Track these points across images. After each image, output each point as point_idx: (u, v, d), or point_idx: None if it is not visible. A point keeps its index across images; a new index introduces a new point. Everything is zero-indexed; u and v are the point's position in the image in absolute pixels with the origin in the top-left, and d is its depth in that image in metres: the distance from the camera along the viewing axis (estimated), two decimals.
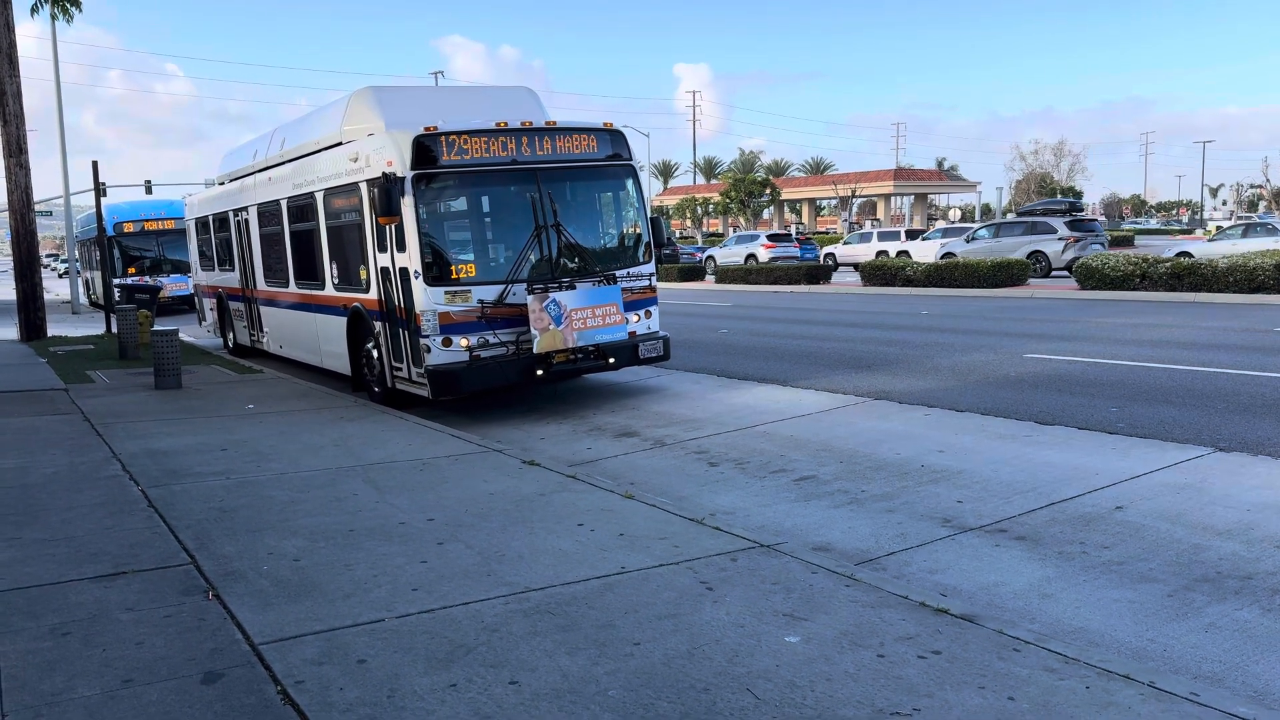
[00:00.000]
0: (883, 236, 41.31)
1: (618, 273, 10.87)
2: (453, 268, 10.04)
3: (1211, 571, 5.26)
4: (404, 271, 10.10)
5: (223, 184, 17.71)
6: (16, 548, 6.00)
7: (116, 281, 26.91)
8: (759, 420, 9.80)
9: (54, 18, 25.37)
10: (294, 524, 6.40)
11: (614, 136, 11.01)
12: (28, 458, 8.65)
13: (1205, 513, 6.20)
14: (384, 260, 10.53)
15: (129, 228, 30.42)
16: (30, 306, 20.64)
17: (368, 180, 10.52)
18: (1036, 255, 28.96)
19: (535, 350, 10.00)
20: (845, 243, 43.71)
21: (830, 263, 38.55)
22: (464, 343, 9.95)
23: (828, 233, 71.05)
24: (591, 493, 6.92)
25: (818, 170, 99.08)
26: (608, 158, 10.97)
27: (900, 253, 32.81)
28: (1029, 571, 5.44)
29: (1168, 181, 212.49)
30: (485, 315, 10.05)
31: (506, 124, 10.25)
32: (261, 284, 15.37)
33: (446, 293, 9.89)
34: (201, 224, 18.78)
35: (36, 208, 22.09)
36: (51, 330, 21.49)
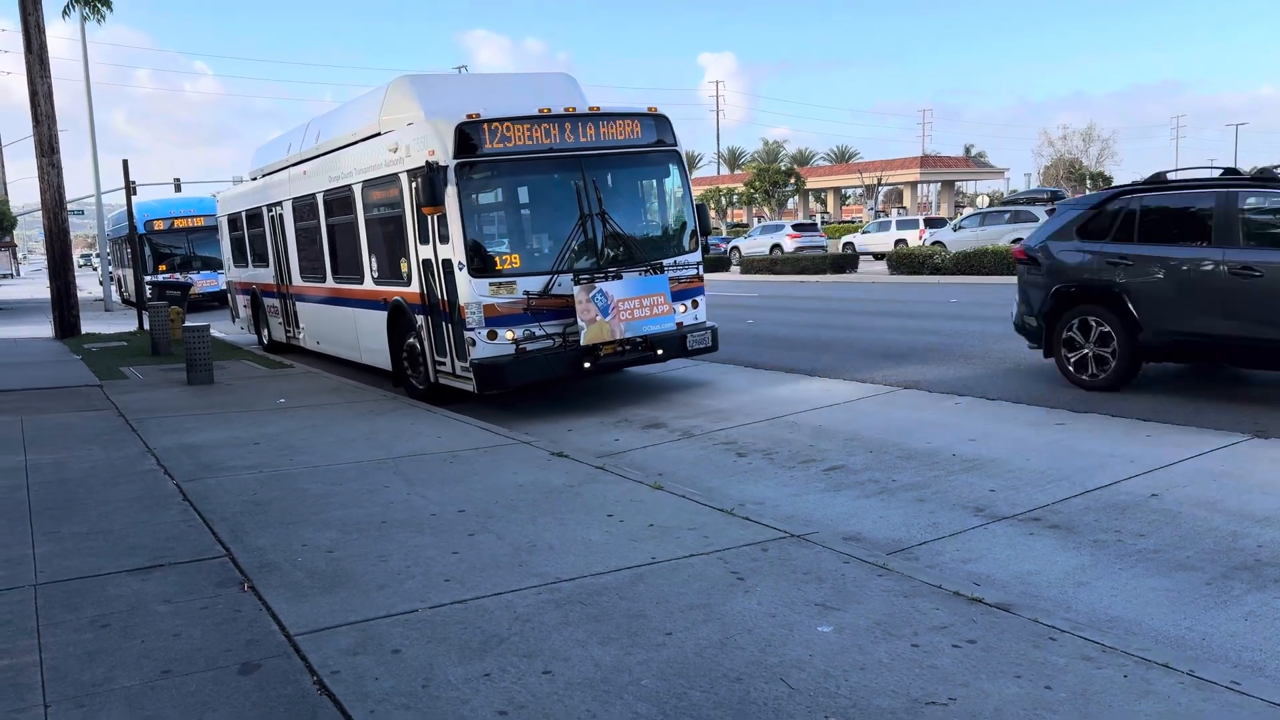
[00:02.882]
0: (901, 225, 41.18)
1: (664, 262, 10.63)
2: (496, 259, 9.82)
3: (1250, 559, 5.18)
4: (447, 263, 9.91)
5: (255, 179, 17.61)
6: (55, 541, 6.10)
7: (148, 279, 27.23)
8: (787, 410, 9.77)
9: (84, 19, 25.67)
10: (327, 516, 6.46)
11: (658, 121, 10.77)
12: (65, 453, 8.78)
13: (1243, 499, 6.11)
14: (426, 252, 10.35)
15: (159, 225, 30.78)
16: (64, 304, 20.94)
17: (409, 170, 10.35)
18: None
19: (582, 342, 9.79)
20: (864, 232, 43.65)
21: (849, 252, 38.53)
22: (509, 335, 9.74)
23: (853, 222, 70.63)
24: (620, 484, 6.92)
25: (843, 159, 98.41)
26: (652, 144, 10.74)
27: (935, 243, 32.91)
28: (1064, 560, 5.38)
29: (1200, 165, 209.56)
30: (531, 307, 9.83)
31: (549, 110, 10.03)
32: (297, 280, 15.21)
33: (491, 284, 9.67)
34: (234, 220, 18.65)
35: (69, 206, 22.38)
36: (85, 327, 21.80)
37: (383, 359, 12.16)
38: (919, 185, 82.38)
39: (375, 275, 11.88)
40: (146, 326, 20.31)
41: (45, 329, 22.65)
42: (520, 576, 5.13)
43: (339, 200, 12.84)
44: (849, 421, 9.11)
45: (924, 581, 4.82)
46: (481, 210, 9.92)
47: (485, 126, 9.65)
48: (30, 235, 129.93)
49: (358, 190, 12.07)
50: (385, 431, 9.32)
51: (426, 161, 9.60)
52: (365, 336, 12.65)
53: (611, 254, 10.29)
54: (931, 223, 39.99)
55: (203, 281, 29.93)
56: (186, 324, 13.87)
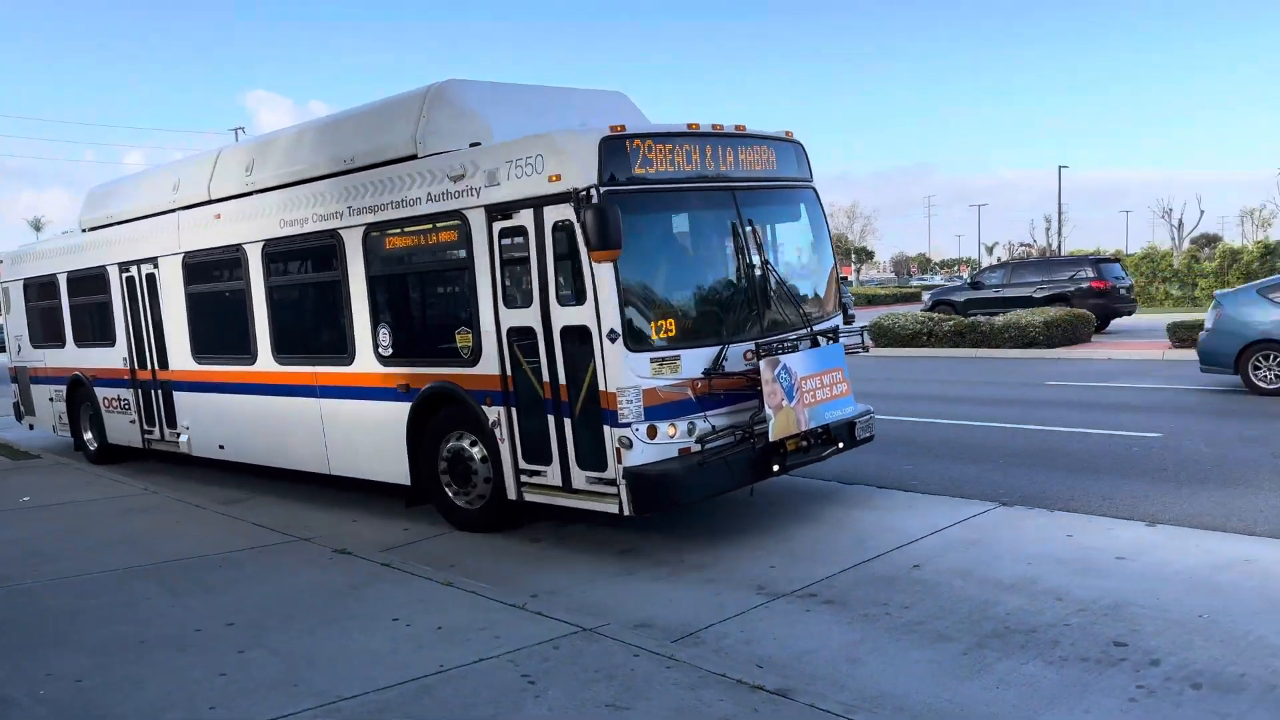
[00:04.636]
0: None
1: (825, 327, 8.47)
2: (652, 325, 7.31)
3: (1000, 626, 5.64)
4: (578, 332, 7.17)
5: (89, 231, 13.49)
6: None
7: None
8: None
9: None
10: (77, 637, 5.87)
11: (797, 150, 8.72)
12: None
13: (992, 568, 6.67)
14: (518, 318, 7.59)
15: None
16: None
17: (490, 206, 7.67)
18: None
19: (771, 436, 7.35)
20: None
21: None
22: (671, 431, 7.17)
23: None
24: (408, 582, 6.71)
25: None
26: (795, 177, 8.66)
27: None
28: (838, 636, 5.66)
29: (949, 240, 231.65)
30: (697, 391, 7.41)
31: (698, 126, 7.80)
32: (183, 362, 11.51)
33: (653, 361, 7.14)
34: (38, 287, 14.36)
35: None
36: None
37: (389, 467, 8.95)
38: None
39: (384, 353, 8.83)
40: None
41: None
42: (296, 697, 4.84)
43: (304, 251, 9.74)
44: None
45: (710, 671, 4.93)
46: (633, 257, 7.18)
47: (631, 145, 7.28)
48: None
49: (352, 235, 8.97)
50: (148, 531, 8.62)
51: (574, 188, 7.03)
52: (352, 438, 9.38)
53: (775, 318, 8.03)
54: None
55: None
56: None
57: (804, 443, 7.72)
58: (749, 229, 7.86)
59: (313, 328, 9.95)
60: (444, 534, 8.45)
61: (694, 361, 7.36)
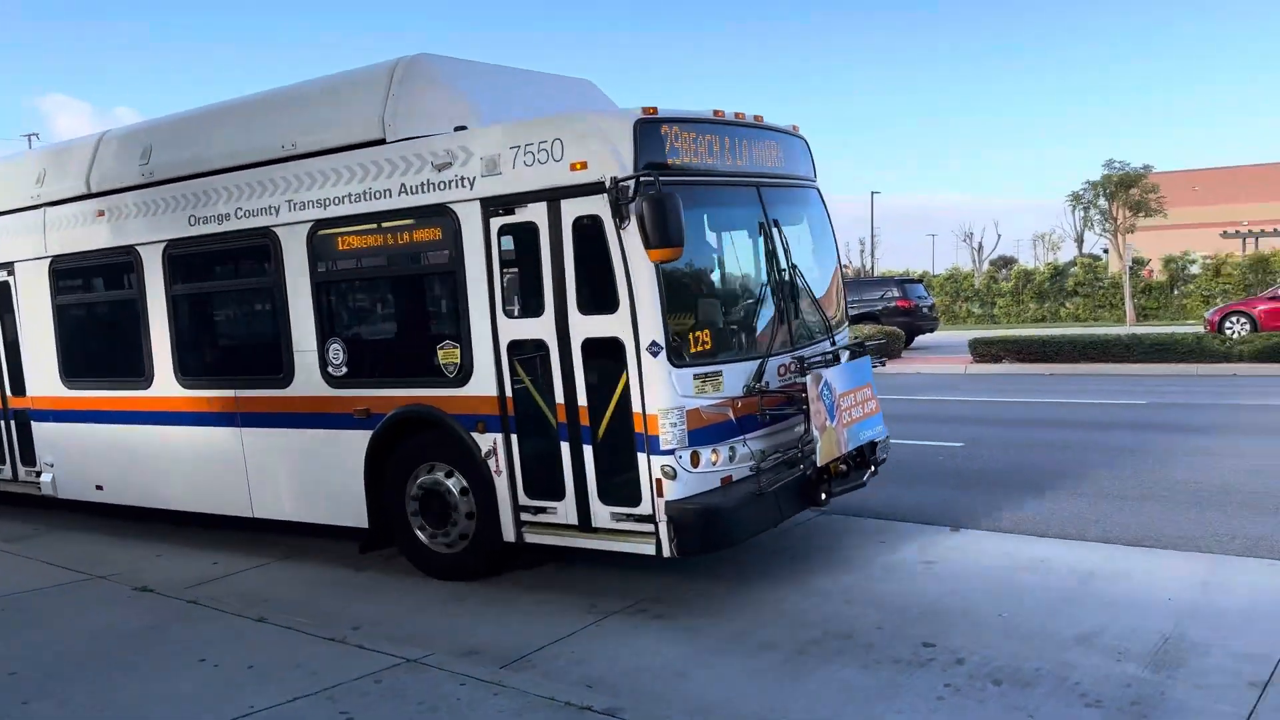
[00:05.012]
0: None
1: (843, 339, 7.80)
2: (691, 336, 6.41)
3: (819, 633, 5.83)
4: (607, 344, 6.26)
5: None
6: None
7: None
8: None
9: None
10: None
11: (803, 145, 7.95)
12: None
13: (810, 576, 6.90)
14: (521, 330, 6.61)
15: None
16: None
17: (486, 199, 6.65)
18: None
19: (819, 461, 6.57)
20: None
21: None
22: (714, 458, 6.32)
23: None
24: (217, 620, 6.32)
25: None
26: (805, 175, 7.91)
27: None
28: (667, 650, 5.71)
29: None
30: (737, 411, 6.54)
31: (723, 114, 6.90)
32: (46, 387, 9.74)
33: (696, 377, 6.26)
34: None
35: None
36: None
37: (340, 509, 7.70)
38: None
39: (335, 372, 7.56)
40: None
41: None
42: None
43: (223, 253, 8.41)
44: None
45: (538, 695, 4.88)
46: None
47: (665, 130, 6.38)
48: None
49: (293, 234, 7.65)
50: None
51: (612, 177, 6.08)
52: (287, 474, 8.06)
53: (804, 328, 7.34)
54: None
55: None
56: None
57: (843, 466, 7.02)
58: (775, 230, 7.10)
59: (234, 344, 8.71)
60: (260, 566, 8.01)
61: (735, 377, 6.52)
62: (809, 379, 6.62)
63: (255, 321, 8.44)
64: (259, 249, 7.92)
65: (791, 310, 7.18)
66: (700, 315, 6.61)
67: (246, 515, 8.34)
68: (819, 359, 7.04)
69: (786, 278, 7.13)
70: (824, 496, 6.80)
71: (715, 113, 6.78)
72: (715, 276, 7.15)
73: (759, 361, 6.68)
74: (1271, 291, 24.83)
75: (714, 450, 6.28)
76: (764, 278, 7.08)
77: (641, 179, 5.93)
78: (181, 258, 8.52)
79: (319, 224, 7.51)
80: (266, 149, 7.92)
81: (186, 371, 8.56)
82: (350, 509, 7.57)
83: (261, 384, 8.01)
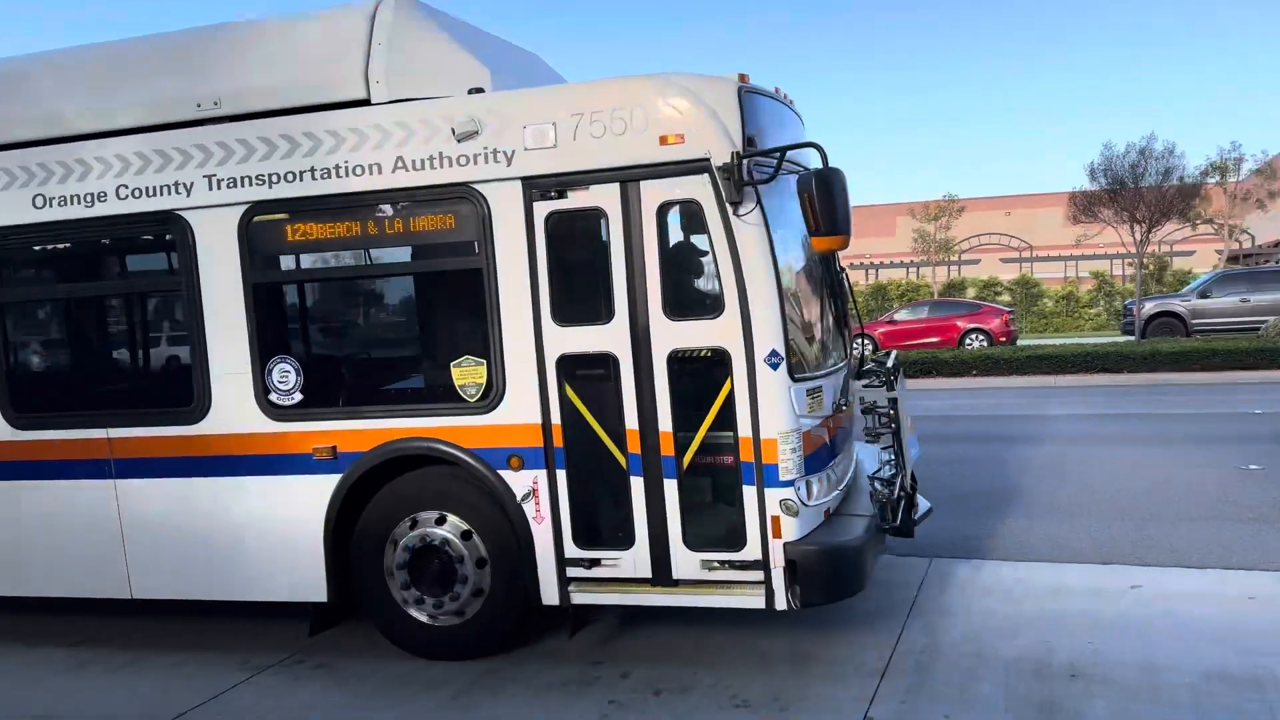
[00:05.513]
0: None
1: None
2: (793, 344, 5.32)
3: (492, 664, 5.76)
4: (706, 356, 5.22)
5: None
6: None
7: None
8: None
9: None
10: None
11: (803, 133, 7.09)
12: None
13: None
14: (580, 340, 5.39)
15: None
16: None
17: (537, 178, 5.35)
18: None
19: (907, 486, 5.96)
20: None
21: None
22: (822, 488, 5.42)
23: None
24: None
25: None
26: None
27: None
28: (332, 699, 5.41)
29: None
30: (831, 432, 5.71)
31: (781, 92, 5.95)
32: None
33: (809, 393, 5.34)
34: None
35: None
36: None
37: (284, 578, 5.97)
38: None
39: (281, 400, 5.85)
40: None
41: None
42: None
43: (94, 245, 6.46)
44: None
45: None
46: (774, 253, 5.24)
47: (760, 102, 5.43)
48: None
49: (215, 220, 5.87)
50: None
51: (734, 154, 5.02)
52: (194, 539, 6.06)
53: (844, 336, 6.60)
54: None
55: None
56: None
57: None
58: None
59: (106, 367, 6.90)
60: None
61: (829, 393, 5.66)
62: (899, 393, 5.97)
63: (141, 337, 6.79)
64: (155, 240, 6.30)
65: (846, 314, 6.60)
66: (803, 319, 5.66)
67: (122, 596, 6.33)
68: (886, 371, 6.17)
69: (843, 277, 6.55)
70: (915, 529, 6.02)
71: (775, 89, 5.90)
72: (802, 275, 6.00)
73: (843, 373, 6.09)
74: (889, 315, 28.32)
75: (820, 479, 5.40)
76: (830, 277, 6.36)
77: (734, 159, 5.03)
78: (21, 249, 6.46)
79: (258, 207, 5.82)
80: (171, 107, 6.06)
81: (23, 408, 6.42)
82: (302, 578, 5.93)
83: (152, 420, 6.13)
